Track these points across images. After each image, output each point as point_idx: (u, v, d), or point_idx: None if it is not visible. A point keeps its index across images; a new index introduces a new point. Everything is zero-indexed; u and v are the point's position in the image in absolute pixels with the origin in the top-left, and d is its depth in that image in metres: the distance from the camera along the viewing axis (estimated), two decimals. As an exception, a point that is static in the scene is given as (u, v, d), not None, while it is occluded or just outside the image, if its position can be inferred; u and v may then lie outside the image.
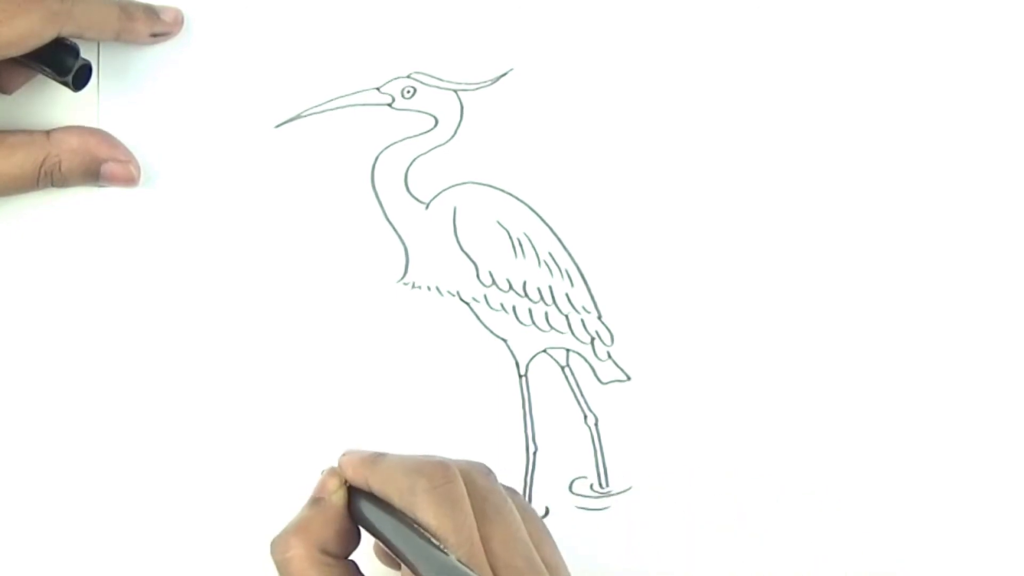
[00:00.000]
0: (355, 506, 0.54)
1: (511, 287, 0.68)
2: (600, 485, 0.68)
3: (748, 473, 0.68)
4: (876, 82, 0.70)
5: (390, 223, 0.68)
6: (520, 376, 0.68)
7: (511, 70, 0.69)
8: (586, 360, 0.68)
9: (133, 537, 0.67)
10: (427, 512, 0.51)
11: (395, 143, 0.69)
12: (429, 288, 0.68)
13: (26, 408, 0.67)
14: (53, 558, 0.66)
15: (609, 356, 0.68)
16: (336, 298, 0.68)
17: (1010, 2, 0.71)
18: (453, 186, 0.69)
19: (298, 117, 0.69)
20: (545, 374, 0.68)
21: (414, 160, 0.69)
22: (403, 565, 0.52)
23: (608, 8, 0.70)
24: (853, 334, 0.69)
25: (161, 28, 0.67)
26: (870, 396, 0.69)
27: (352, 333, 0.68)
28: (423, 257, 0.68)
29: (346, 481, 0.54)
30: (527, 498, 0.68)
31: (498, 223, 0.69)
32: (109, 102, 0.68)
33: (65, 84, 0.64)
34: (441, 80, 0.69)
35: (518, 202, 0.69)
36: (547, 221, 0.69)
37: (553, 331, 0.68)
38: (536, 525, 0.55)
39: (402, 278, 0.68)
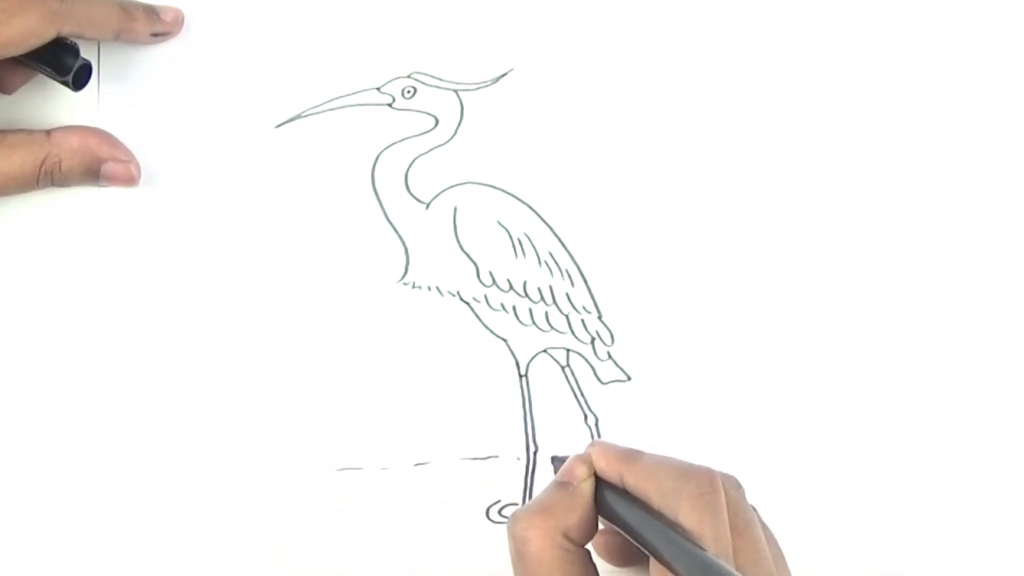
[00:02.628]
0: (602, 497, 0.54)
1: (511, 287, 0.68)
2: (600, 485, 0.68)
3: (748, 473, 0.68)
4: (876, 82, 0.70)
5: (390, 223, 0.68)
6: (520, 376, 0.68)
7: (511, 70, 0.69)
8: (586, 360, 0.68)
9: (133, 537, 0.67)
10: (690, 517, 0.52)
11: (395, 143, 0.69)
12: (429, 288, 0.68)
13: (26, 408, 0.67)
14: (53, 558, 0.66)
15: (609, 356, 0.68)
16: (336, 298, 0.68)
17: (1010, 2, 0.71)
18: (453, 186, 0.69)
19: (298, 117, 0.69)
20: (545, 374, 0.68)
21: (414, 160, 0.69)
22: (652, 562, 0.52)
23: (608, 8, 0.70)
24: (854, 333, 0.69)
25: (161, 28, 0.67)
26: (871, 395, 0.69)
27: (352, 333, 0.68)
28: (423, 257, 0.68)
29: (594, 471, 0.55)
30: (527, 498, 0.67)
31: (498, 223, 0.69)
32: (109, 102, 0.68)
33: (65, 84, 0.64)
34: (441, 80, 0.69)
35: (518, 202, 0.69)
36: (547, 221, 0.69)
37: (553, 331, 0.68)
38: (774, 544, 0.55)
39: (402, 278, 0.68)
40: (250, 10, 0.69)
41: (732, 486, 0.54)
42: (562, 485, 0.55)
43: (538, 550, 0.53)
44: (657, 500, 0.53)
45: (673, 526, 0.52)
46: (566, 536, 0.53)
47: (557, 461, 0.57)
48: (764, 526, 0.55)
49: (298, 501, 0.67)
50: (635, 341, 0.69)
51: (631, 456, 0.54)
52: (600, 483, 0.54)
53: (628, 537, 0.53)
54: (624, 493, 0.54)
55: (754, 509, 0.55)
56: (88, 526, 0.66)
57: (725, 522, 0.52)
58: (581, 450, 0.56)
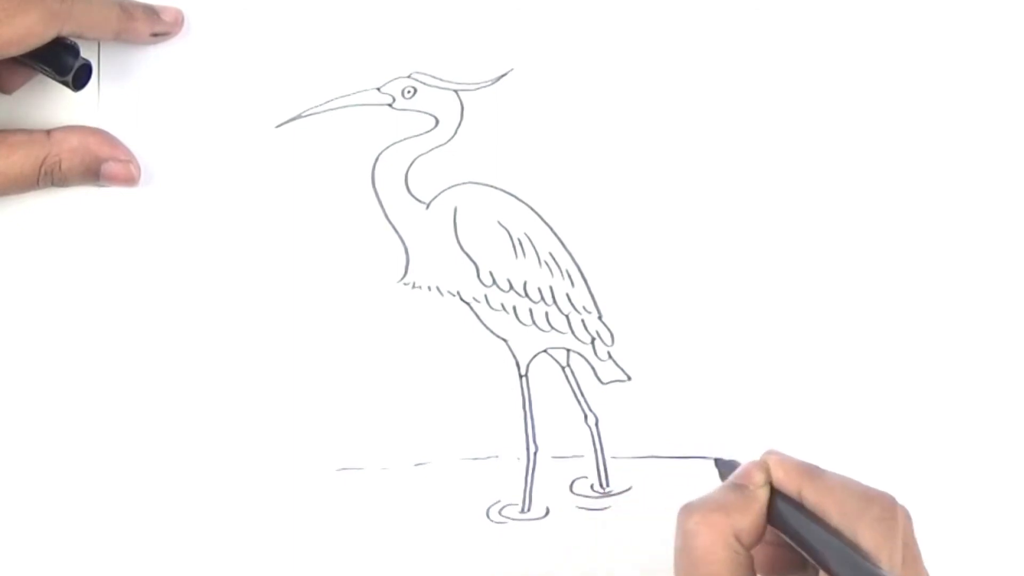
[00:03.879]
0: (775, 507, 0.54)
1: (511, 287, 0.68)
2: (600, 485, 0.68)
3: (748, 473, 0.68)
4: (876, 83, 0.70)
5: (390, 223, 0.68)
6: (520, 376, 0.68)
7: (511, 70, 0.69)
8: (586, 360, 0.68)
9: (133, 537, 0.67)
10: (870, 539, 0.52)
11: (395, 143, 0.69)
12: (429, 288, 0.68)
13: (26, 408, 0.67)
14: (53, 558, 0.66)
15: (609, 356, 0.68)
16: (336, 298, 0.68)
17: (1010, 2, 0.71)
18: (453, 186, 0.69)
19: (298, 117, 0.69)
20: (545, 374, 0.68)
21: (414, 160, 0.69)
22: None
23: (608, 8, 0.70)
24: (854, 333, 0.69)
25: (161, 28, 0.67)
26: (871, 395, 0.69)
27: (352, 333, 0.68)
28: (423, 257, 0.68)
29: (769, 480, 0.55)
30: (528, 498, 0.67)
31: (498, 223, 0.69)
32: (109, 102, 0.68)
33: (65, 84, 0.64)
34: (441, 80, 0.69)
35: (518, 202, 0.69)
36: (547, 221, 0.69)
37: (553, 331, 0.68)
38: None
39: (402, 278, 0.68)
40: (250, 10, 0.69)
41: (907, 517, 0.55)
42: (739, 487, 0.55)
43: (707, 546, 0.53)
44: (837, 518, 0.53)
45: (852, 545, 0.52)
46: (737, 537, 0.54)
47: (722, 464, 0.57)
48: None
49: (298, 501, 0.67)
50: (635, 341, 0.69)
51: (813, 471, 0.55)
52: (774, 493, 0.55)
53: (801, 550, 0.54)
54: (800, 506, 0.54)
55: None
56: (88, 526, 0.66)
57: (900, 551, 0.53)
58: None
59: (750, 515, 0.54)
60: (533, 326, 0.68)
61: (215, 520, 0.67)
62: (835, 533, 0.53)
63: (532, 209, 0.69)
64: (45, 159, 0.65)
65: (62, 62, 0.64)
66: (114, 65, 0.68)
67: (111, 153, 0.66)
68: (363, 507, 0.67)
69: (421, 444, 0.68)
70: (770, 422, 0.68)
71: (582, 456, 0.68)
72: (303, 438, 0.67)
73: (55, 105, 0.67)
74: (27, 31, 0.61)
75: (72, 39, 0.64)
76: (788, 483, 0.55)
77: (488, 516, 0.67)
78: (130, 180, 0.67)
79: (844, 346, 0.69)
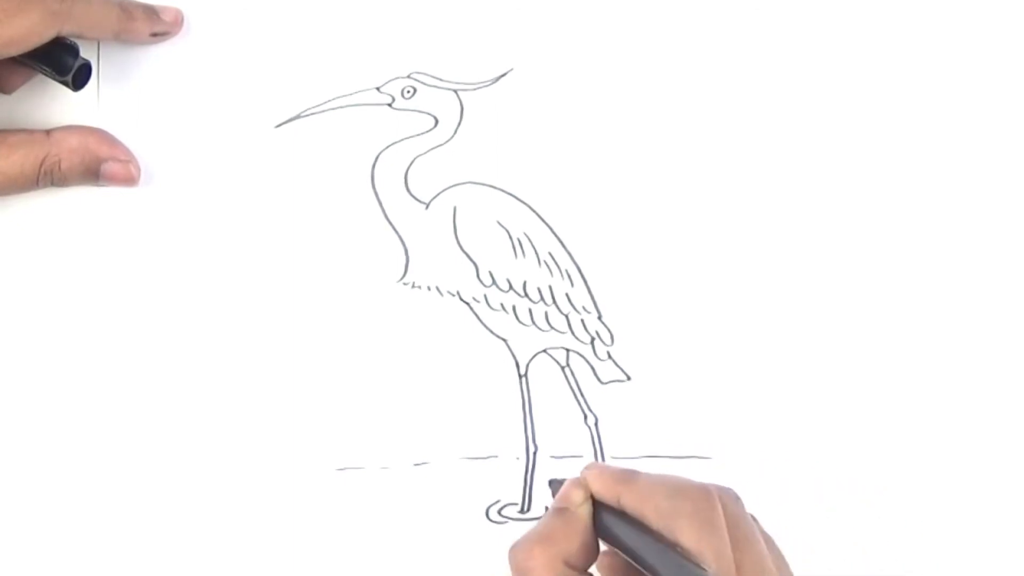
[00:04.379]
0: (600, 520, 0.54)
1: (511, 287, 0.68)
2: (600, 485, 0.68)
3: (748, 474, 0.68)
4: (875, 83, 0.70)
5: (390, 223, 0.68)
6: (520, 376, 0.68)
7: (511, 70, 0.69)
8: (586, 360, 0.68)
9: (133, 537, 0.67)
10: (689, 536, 0.51)
11: (395, 143, 0.69)
12: (429, 288, 0.68)
13: (26, 408, 0.67)
14: (53, 558, 0.66)
15: (609, 356, 0.68)
16: (336, 298, 0.68)
17: (1010, 2, 0.71)
18: (453, 186, 0.69)
19: (298, 117, 0.69)
20: (545, 374, 0.68)
21: (414, 160, 0.69)
22: None
23: (608, 8, 0.70)
24: (854, 333, 0.69)
25: (161, 28, 0.67)
26: (871, 395, 0.69)
27: (352, 333, 0.68)
28: (423, 257, 0.68)
29: (590, 494, 0.54)
30: (528, 498, 0.67)
31: (498, 223, 0.69)
32: (109, 102, 0.68)
33: (65, 84, 0.64)
34: (441, 80, 0.69)
35: (518, 202, 0.69)
36: (547, 221, 0.69)
37: (553, 331, 0.68)
38: (777, 553, 0.55)
39: (402, 278, 0.68)
40: (250, 10, 0.69)
41: (730, 499, 0.54)
42: (560, 511, 0.54)
43: None
44: (655, 520, 0.52)
45: (673, 546, 0.52)
46: (567, 563, 0.53)
47: (555, 484, 0.56)
48: (766, 536, 0.55)
49: (298, 501, 0.67)
50: (635, 341, 0.69)
51: (626, 477, 0.54)
52: (598, 506, 0.54)
53: (629, 559, 0.53)
54: (622, 515, 0.53)
55: (754, 519, 0.55)
56: (88, 526, 0.66)
57: (725, 538, 0.52)
58: (579, 465, 0.55)
59: (576, 537, 0.53)
60: (533, 326, 0.68)
61: (215, 520, 0.67)
62: (656, 536, 0.52)
63: (532, 209, 0.69)
64: (45, 159, 0.65)
65: (62, 62, 0.64)
66: (114, 65, 0.68)
67: (111, 153, 0.66)
68: (363, 507, 0.67)
69: (421, 444, 0.68)
70: (770, 422, 0.68)
71: (582, 456, 0.68)
72: (303, 438, 0.67)
73: (55, 105, 0.67)
74: (27, 31, 0.61)
75: (72, 39, 0.64)
76: (606, 493, 0.54)
77: (488, 516, 0.67)
78: (130, 180, 0.67)
79: (844, 346, 0.69)
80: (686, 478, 0.54)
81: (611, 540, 0.54)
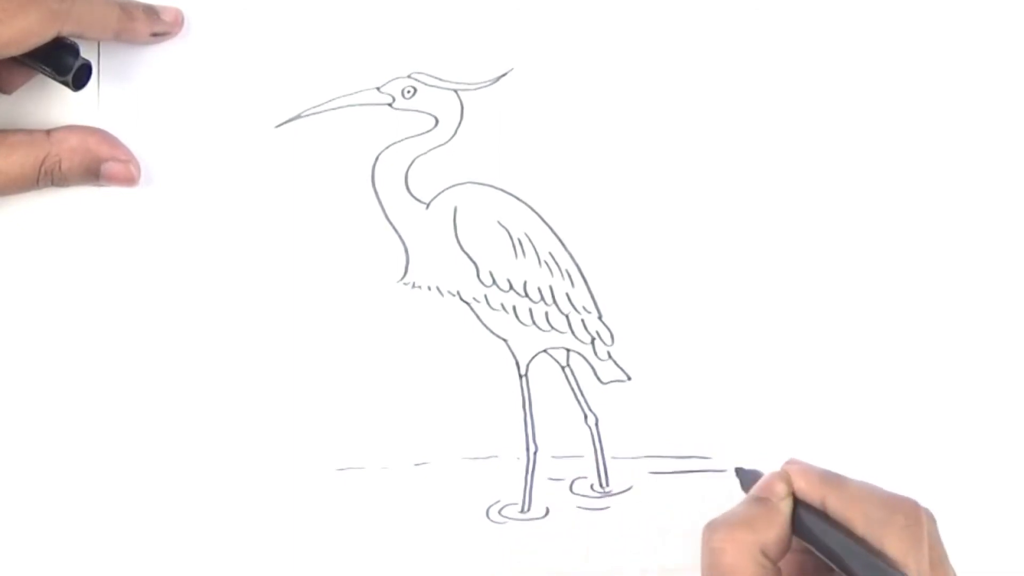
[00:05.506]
0: (799, 517, 0.54)
1: (511, 287, 0.68)
2: (600, 485, 0.68)
3: (748, 473, 0.68)
4: (876, 83, 0.70)
5: (390, 223, 0.68)
6: (520, 376, 0.68)
7: (511, 70, 0.69)
8: (586, 360, 0.68)
9: (133, 537, 0.67)
10: (897, 548, 0.53)
11: (395, 143, 0.69)
12: (429, 288, 0.68)
13: (26, 408, 0.67)
14: (53, 558, 0.66)
15: (609, 356, 0.68)
16: (336, 298, 0.68)
17: (1010, 2, 0.71)
18: (453, 186, 0.69)
19: (298, 117, 0.69)
20: (545, 374, 0.68)
21: (414, 160, 0.69)
22: None
23: (608, 8, 0.70)
24: (853, 333, 0.69)
25: (161, 28, 0.67)
26: (871, 394, 0.69)
27: (352, 333, 0.68)
28: (423, 257, 0.68)
29: (792, 490, 0.55)
30: (527, 498, 0.67)
31: (498, 223, 0.69)
32: (109, 102, 0.68)
33: (65, 84, 0.64)
34: (441, 80, 0.69)
35: (518, 202, 0.69)
36: (547, 221, 0.69)
37: (553, 331, 0.68)
38: None
39: (402, 278, 0.68)
40: (250, 10, 0.69)
41: (931, 520, 0.55)
42: (761, 501, 0.55)
43: (734, 563, 0.53)
44: (862, 527, 0.53)
45: (878, 554, 0.52)
46: (763, 552, 0.54)
47: (743, 474, 0.57)
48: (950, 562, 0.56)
49: (298, 501, 0.67)
50: (635, 341, 0.69)
51: (836, 480, 0.55)
52: (798, 503, 0.55)
53: (827, 560, 0.54)
54: (824, 516, 0.54)
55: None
56: (88, 526, 0.66)
57: (927, 556, 0.53)
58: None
59: (775, 528, 0.54)
60: (533, 326, 0.68)
61: (215, 520, 0.67)
62: (861, 542, 0.53)
63: (532, 209, 0.69)
64: (45, 159, 0.65)
65: (62, 62, 0.64)
66: (114, 65, 0.68)
67: (111, 153, 0.66)
68: (363, 507, 0.67)
69: (421, 444, 0.68)
70: (770, 421, 0.68)
71: (582, 456, 0.68)
72: (303, 438, 0.67)
73: (55, 105, 0.67)
74: (27, 31, 0.61)
75: (72, 39, 0.64)
76: (811, 493, 0.55)
77: (488, 516, 0.67)
78: (130, 180, 0.67)
79: (844, 345, 0.69)
80: (893, 491, 0.55)
81: (809, 539, 0.54)
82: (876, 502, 0.54)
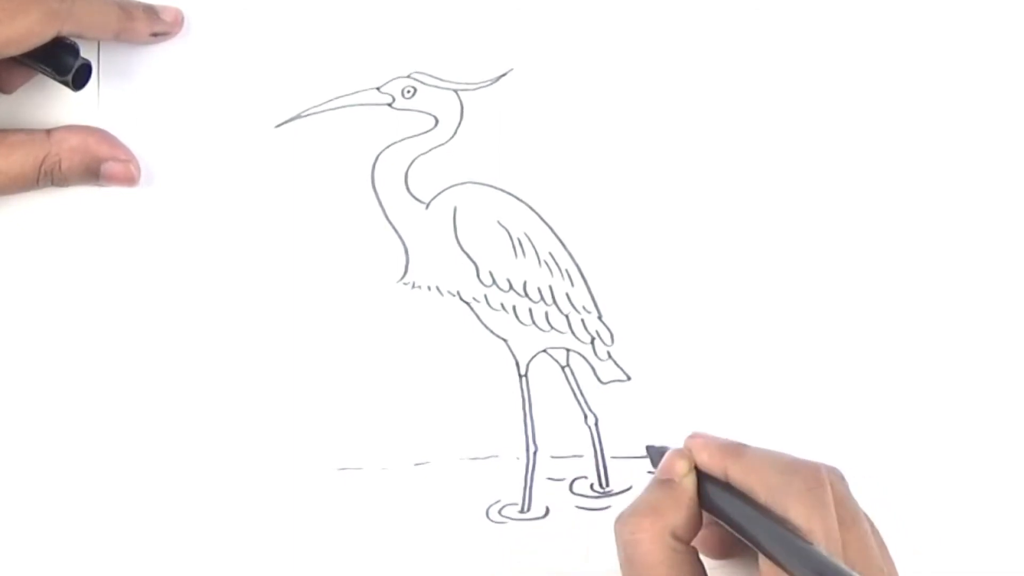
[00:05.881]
0: (704, 491, 0.54)
1: (511, 287, 0.68)
2: (600, 485, 0.68)
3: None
4: (876, 83, 0.70)
5: (390, 223, 0.68)
6: (520, 376, 0.68)
7: (511, 70, 0.69)
8: (586, 360, 0.68)
9: (133, 537, 0.67)
10: (799, 512, 0.52)
11: (395, 143, 0.69)
12: (429, 288, 0.68)
13: (26, 408, 0.67)
14: (53, 558, 0.66)
15: (609, 356, 0.68)
16: (336, 298, 0.68)
17: (1010, 2, 0.71)
18: (453, 186, 0.69)
19: (298, 117, 0.69)
20: (545, 374, 0.68)
21: (414, 160, 0.69)
22: (762, 559, 0.52)
23: (608, 8, 0.70)
24: (853, 333, 0.69)
25: (161, 28, 0.67)
26: (871, 394, 0.69)
27: (352, 333, 0.68)
28: (423, 257, 0.68)
29: (694, 465, 0.54)
30: (527, 498, 0.67)
31: (498, 223, 0.69)
32: (109, 102, 0.68)
33: (65, 84, 0.64)
34: (441, 80, 0.69)
35: (518, 202, 0.69)
36: (547, 221, 0.69)
37: (553, 331, 0.68)
38: (877, 535, 0.55)
39: (402, 278, 0.68)
40: (250, 10, 0.69)
41: (837, 479, 0.54)
42: (665, 483, 0.54)
43: (648, 552, 0.53)
44: (764, 495, 0.52)
45: (782, 522, 0.52)
46: (674, 535, 0.53)
47: (652, 450, 0.56)
48: (867, 517, 0.55)
49: (298, 501, 0.67)
50: (635, 341, 0.69)
51: (735, 450, 0.54)
52: (701, 477, 0.54)
53: (734, 532, 0.53)
54: (727, 487, 0.53)
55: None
56: (88, 526, 0.66)
57: (833, 516, 0.52)
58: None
59: (681, 510, 0.54)
60: (533, 326, 0.68)
61: (215, 520, 0.67)
62: (764, 511, 0.52)
63: (532, 209, 0.69)
64: (45, 159, 0.65)
65: (62, 62, 0.64)
66: (114, 65, 0.68)
67: (111, 153, 0.66)
68: (363, 507, 0.67)
69: (421, 444, 0.68)
70: (769, 422, 0.68)
71: (582, 456, 0.68)
72: (303, 438, 0.67)
73: (55, 105, 0.67)
74: (27, 31, 0.61)
75: (72, 39, 0.64)
76: (713, 465, 0.54)
77: (488, 516, 0.67)
78: (130, 180, 0.67)
79: (845, 345, 0.69)
80: (793, 456, 0.54)
81: (716, 512, 0.54)
82: (775, 468, 0.53)
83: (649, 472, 0.58)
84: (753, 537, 0.52)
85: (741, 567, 0.57)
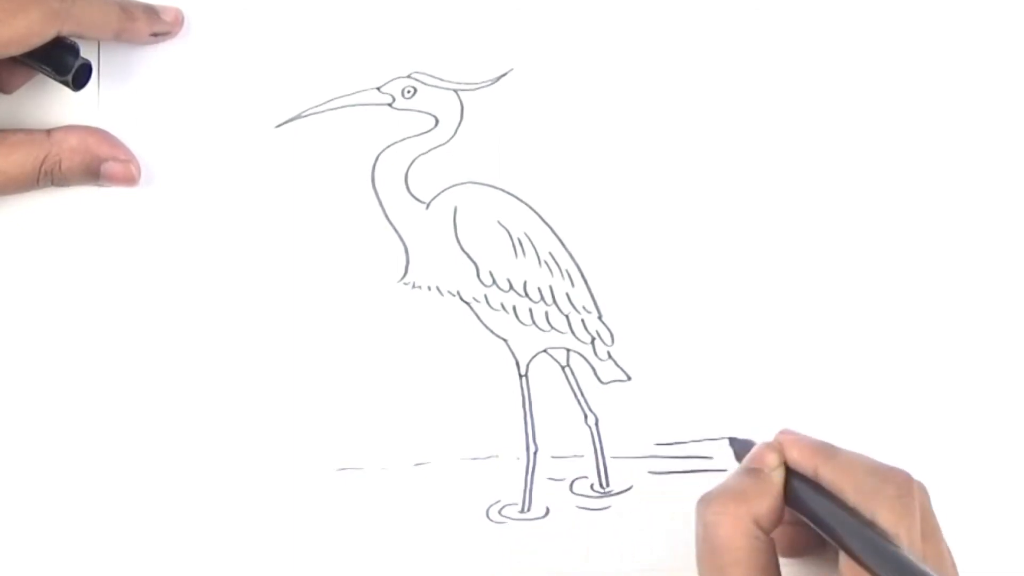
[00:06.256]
0: (792, 488, 0.54)
1: (511, 287, 0.68)
2: (600, 485, 0.68)
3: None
4: (876, 83, 0.70)
5: (390, 223, 0.68)
6: (520, 376, 0.68)
7: (511, 70, 0.69)
8: (586, 360, 0.68)
9: (133, 537, 0.67)
10: (888, 517, 0.52)
11: (395, 143, 0.69)
12: (429, 288, 0.68)
13: (26, 408, 0.67)
14: (53, 558, 0.66)
15: (609, 356, 0.68)
16: (336, 298, 0.68)
17: (1010, 2, 0.71)
18: (453, 186, 0.69)
19: (298, 117, 0.69)
20: (545, 374, 0.68)
21: (414, 160, 0.69)
22: (843, 558, 0.52)
23: (608, 8, 0.70)
24: (853, 333, 0.69)
25: (161, 28, 0.67)
26: (872, 394, 0.69)
27: (352, 333, 0.68)
28: (423, 257, 0.68)
29: (783, 460, 0.55)
30: (527, 498, 0.67)
31: (498, 223, 0.69)
32: (109, 102, 0.68)
33: (65, 83, 0.64)
34: (441, 80, 0.69)
35: (518, 202, 0.69)
36: (547, 221, 0.69)
37: (553, 331, 0.68)
38: (951, 554, 0.56)
39: (402, 278, 0.68)
40: (250, 10, 0.69)
41: (923, 491, 0.55)
42: (753, 472, 0.55)
43: (729, 536, 0.53)
44: (853, 497, 0.53)
45: (870, 524, 0.52)
46: (756, 523, 0.54)
47: (737, 444, 0.57)
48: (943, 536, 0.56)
49: (298, 501, 0.67)
50: (635, 341, 0.69)
51: (827, 450, 0.55)
52: (790, 473, 0.55)
53: (819, 530, 0.53)
54: (816, 486, 0.54)
55: None
56: (88, 526, 0.66)
57: (918, 526, 0.53)
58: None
59: (767, 499, 0.54)
60: (533, 326, 0.68)
61: (215, 520, 0.67)
62: (852, 512, 0.53)
63: (532, 209, 0.69)
64: (45, 159, 0.65)
65: (62, 62, 0.64)
66: (114, 65, 0.68)
67: (111, 153, 0.66)
68: (363, 507, 0.67)
69: (421, 444, 0.68)
70: (770, 421, 0.68)
71: (582, 456, 0.68)
72: (303, 438, 0.67)
73: (55, 105, 0.67)
74: (27, 30, 0.61)
75: (72, 39, 0.64)
76: (803, 463, 0.54)
77: (488, 516, 0.67)
78: (130, 180, 0.67)
79: (845, 345, 0.69)
80: (885, 462, 0.55)
81: (802, 509, 0.54)
82: (867, 472, 0.54)
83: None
84: (840, 536, 0.52)
85: (814, 567, 0.57)
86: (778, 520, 0.55)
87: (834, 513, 0.53)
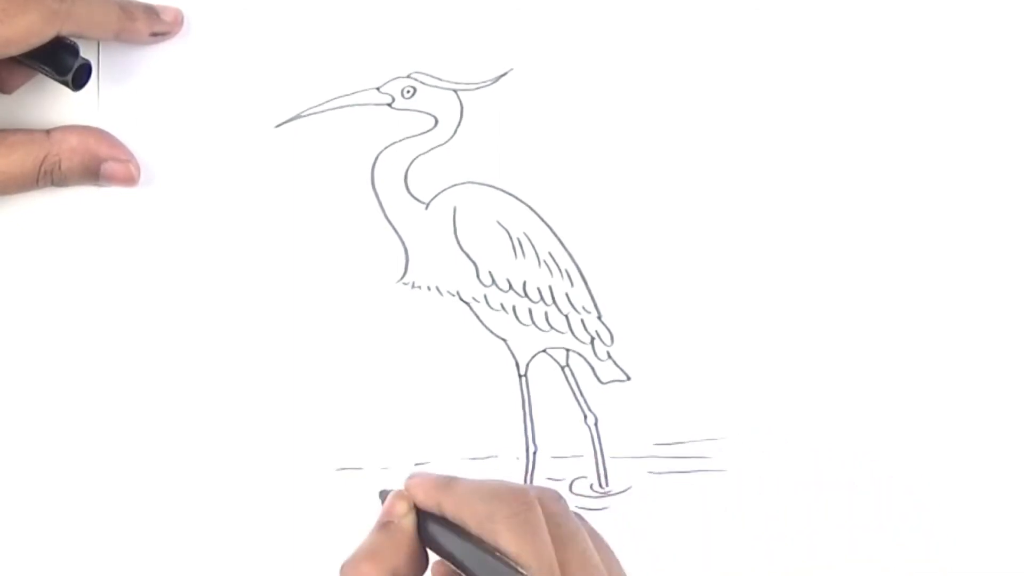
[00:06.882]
0: (425, 529, 0.53)
1: (511, 287, 0.68)
2: (600, 485, 0.68)
3: (748, 472, 0.68)
4: (876, 83, 0.70)
5: (390, 223, 0.68)
6: (520, 376, 0.68)
7: (511, 70, 0.69)
8: (586, 360, 0.68)
9: (133, 537, 0.67)
10: (508, 540, 0.51)
11: (395, 143, 0.69)
12: (429, 288, 0.68)
13: (26, 408, 0.67)
14: (53, 558, 0.66)
15: (609, 356, 0.68)
16: (336, 298, 0.68)
17: (1010, 2, 0.71)
18: (453, 186, 0.69)
19: (298, 117, 0.69)
20: (545, 374, 0.68)
21: (414, 160, 0.69)
22: None
23: (608, 8, 0.70)
24: (853, 333, 0.69)
25: (161, 28, 0.67)
26: (870, 394, 0.69)
27: (352, 333, 0.68)
28: (423, 257, 0.68)
29: (414, 504, 0.54)
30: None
31: (498, 223, 0.69)
32: (109, 102, 0.68)
33: (65, 83, 0.64)
34: (441, 80, 0.69)
35: (518, 202, 0.69)
36: (547, 221, 0.69)
37: (553, 331, 0.68)
38: (605, 550, 0.55)
39: (402, 278, 0.68)
40: (250, 10, 0.69)
41: (550, 499, 0.53)
42: (384, 525, 0.54)
43: None
44: (475, 526, 0.52)
45: (493, 551, 0.51)
46: None
47: (383, 495, 0.55)
48: (594, 532, 0.54)
49: (298, 501, 0.67)
50: (635, 341, 0.69)
51: (445, 484, 0.53)
52: (423, 515, 0.54)
53: (453, 567, 0.52)
54: (445, 522, 0.53)
55: (580, 517, 0.54)
56: (88, 526, 0.66)
57: (545, 539, 0.51)
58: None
59: (402, 549, 0.53)
60: (532, 326, 0.68)
61: (215, 520, 0.67)
62: (477, 542, 0.52)
63: (532, 209, 0.69)
64: (45, 159, 0.65)
65: (62, 62, 0.64)
66: (114, 65, 0.68)
67: (111, 153, 0.66)
68: (363, 507, 0.67)
69: (421, 444, 0.68)
70: (770, 421, 0.68)
71: (581, 456, 0.68)
72: (303, 438, 0.67)
73: (55, 105, 0.67)
74: (27, 30, 0.61)
75: (72, 39, 0.64)
76: (428, 501, 0.53)
77: (488, 516, 0.67)
78: (130, 180, 0.67)
79: (844, 344, 0.69)
80: (505, 481, 0.53)
81: (436, 548, 0.53)
82: (482, 498, 0.52)
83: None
84: (468, 569, 0.52)
85: None
86: (419, 567, 0.53)
87: (460, 547, 0.52)
